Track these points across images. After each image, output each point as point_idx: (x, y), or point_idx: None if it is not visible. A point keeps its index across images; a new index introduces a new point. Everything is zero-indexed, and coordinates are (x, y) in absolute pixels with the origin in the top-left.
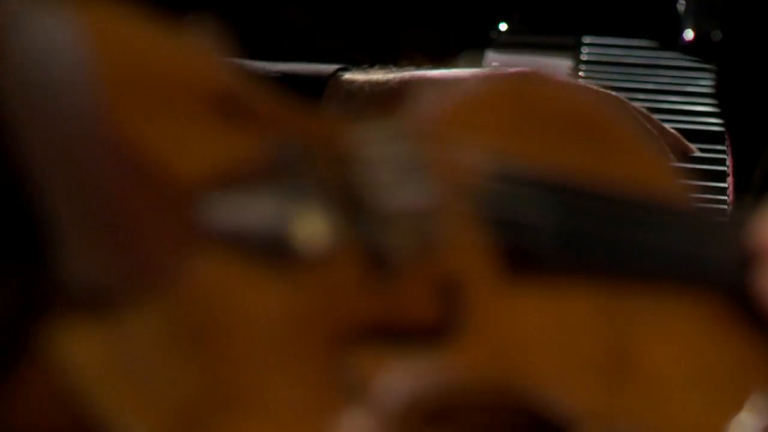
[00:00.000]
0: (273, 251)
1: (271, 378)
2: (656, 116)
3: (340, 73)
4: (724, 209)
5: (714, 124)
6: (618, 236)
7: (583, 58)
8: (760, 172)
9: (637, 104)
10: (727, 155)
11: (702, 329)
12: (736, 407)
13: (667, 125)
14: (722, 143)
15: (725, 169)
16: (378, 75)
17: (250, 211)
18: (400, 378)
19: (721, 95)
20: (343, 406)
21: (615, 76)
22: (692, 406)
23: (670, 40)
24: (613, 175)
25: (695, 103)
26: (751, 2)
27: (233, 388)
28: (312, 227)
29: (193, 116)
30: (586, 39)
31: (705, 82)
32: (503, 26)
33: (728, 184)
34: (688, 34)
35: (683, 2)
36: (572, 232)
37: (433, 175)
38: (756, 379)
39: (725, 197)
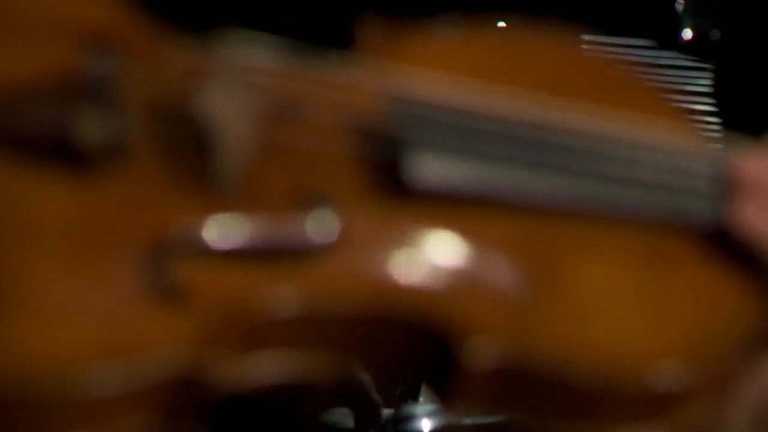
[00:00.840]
0: (59, 153)
1: (50, 279)
2: None
3: None
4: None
5: (713, 124)
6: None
7: None
8: None
9: None
10: None
11: (650, 261)
12: (681, 339)
13: None
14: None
15: None
16: None
17: (29, 114)
18: (234, 289)
19: (720, 94)
20: (157, 308)
21: None
22: (621, 328)
23: (669, 39)
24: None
25: (694, 102)
26: (749, 1)
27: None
28: (91, 127)
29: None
30: (586, 38)
31: (704, 82)
32: (503, 26)
33: None
34: (687, 33)
35: (682, 1)
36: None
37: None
38: (718, 318)
39: None
